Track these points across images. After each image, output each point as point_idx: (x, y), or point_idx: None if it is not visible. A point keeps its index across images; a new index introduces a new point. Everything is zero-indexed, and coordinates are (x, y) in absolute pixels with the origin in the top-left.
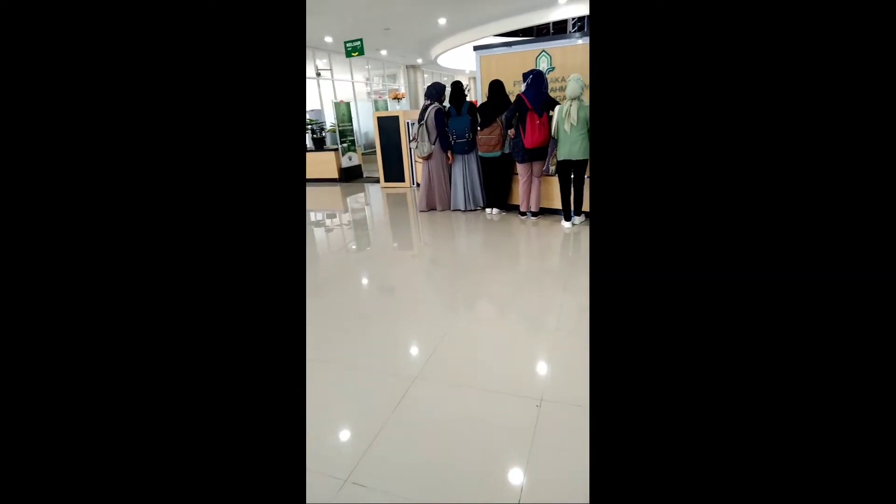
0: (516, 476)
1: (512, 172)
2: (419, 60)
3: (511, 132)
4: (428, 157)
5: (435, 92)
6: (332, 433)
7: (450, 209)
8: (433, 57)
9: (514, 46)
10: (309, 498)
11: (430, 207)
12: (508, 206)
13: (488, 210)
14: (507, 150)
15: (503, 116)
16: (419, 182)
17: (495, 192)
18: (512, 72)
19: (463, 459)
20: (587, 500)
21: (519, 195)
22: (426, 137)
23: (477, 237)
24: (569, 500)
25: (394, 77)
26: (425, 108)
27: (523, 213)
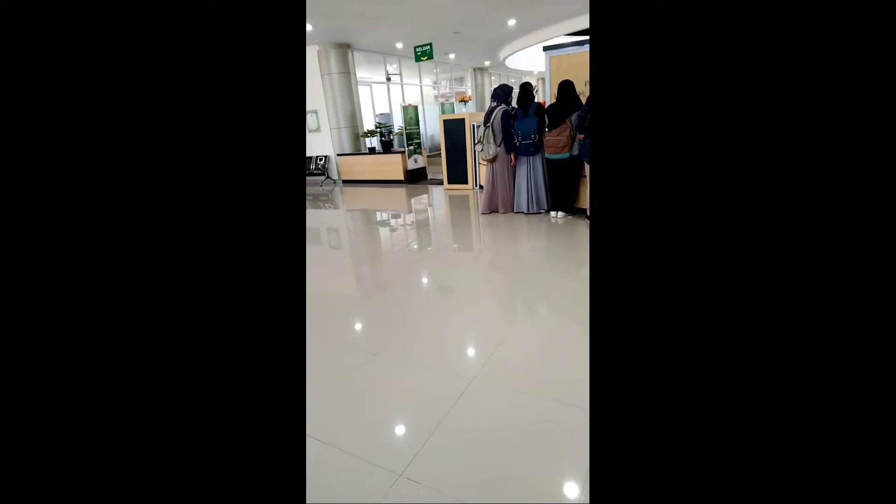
0: (572, 490)
1: (580, 175)
2: (487, 63)
3: (581, 135)
4: (493, 160)
5: (502, 94)
6: (390, 427)
7: (512, 212)
8: (501, 59)
9: (586, 45)
10: (366, 490)
11: (493, 210)
12: (575, 210)
13: (553, 213)
14: (574, 152)
15: (573, 118)
16: (482, 184)
17: (561, 194)
18: (583, 71)
19: (519, 466)
20: (588, 500)
21: (587, 198)
22: (492, 139)
23: (540, 241)
24: None
25: (461, 80)
26: (491, 111)
27: (590, 217)
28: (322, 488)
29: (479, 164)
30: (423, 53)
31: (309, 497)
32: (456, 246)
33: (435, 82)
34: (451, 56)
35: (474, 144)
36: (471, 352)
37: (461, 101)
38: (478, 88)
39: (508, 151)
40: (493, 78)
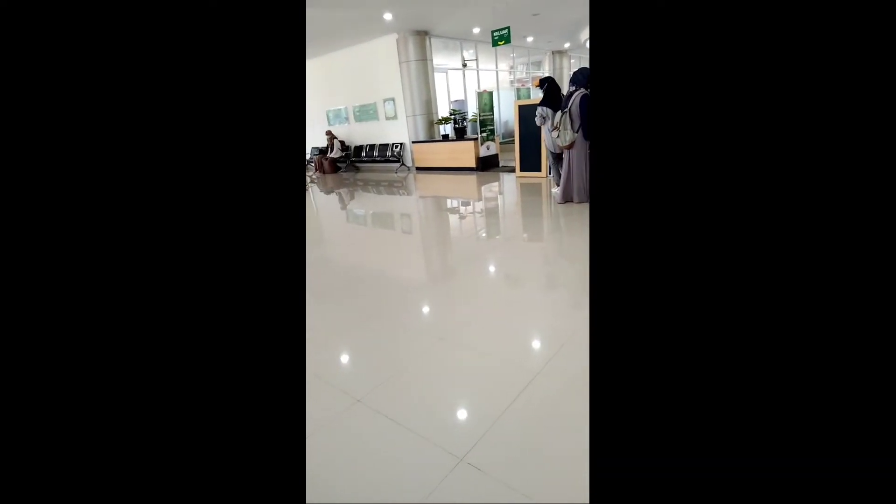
0: None
1: None
2: (566, 45)
3: None
4: (570, 146)
5: (582, 77)
6: (454, 411)
7: (588, 201)
8: (582, 41)
9: None
10: (428, 469)
11: (567, 199)
12: None
13: None
14: None
15: None
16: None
17: None
18: None
19: (580, 466)
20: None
21: None
22: (569, 125)
23: None
24: None
25: (538, 64)
26: (570, 95)
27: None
28: (385, 463)
29: (559, 149)
30: (501, 38)
31: (329, 496)
32: (526, 235)
33: (511, 67)
34: (530, 39)
35: (551, 131)
36: (537, 344)
37: (538, 85)
38: (556, 72)
39: (587, 138)
40: (572, 61)
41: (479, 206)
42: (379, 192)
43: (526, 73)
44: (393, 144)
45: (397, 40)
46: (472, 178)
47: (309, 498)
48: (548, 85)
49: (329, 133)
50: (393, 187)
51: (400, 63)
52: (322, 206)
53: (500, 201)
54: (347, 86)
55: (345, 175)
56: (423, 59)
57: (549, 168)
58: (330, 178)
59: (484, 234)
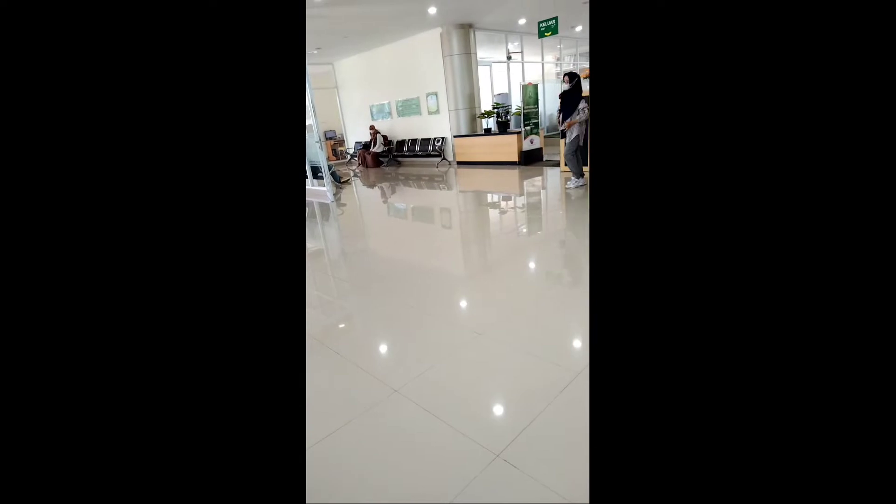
0: None
1: None
2: None
3: None
4: None
5: None
6: (491, 406)
7: None
8: None
9: None
10: (464, 465)
11: None
12: None
13: None
14: None
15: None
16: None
17: None
18: None
19: None
20: (588, 500)
21: None
22: None
23: None
24: None
25: (587, 55)
26: None
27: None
28: (420, 455)
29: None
30: (548, 28)
31: (334, 496)
32: (570, 232)
33: (558, 59)
34: (578, 28)
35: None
36: (578, 344)
37: (586, 77)
38: None
39: None
40: None
41: (521, 201)
42: (420, 187)
43: (573, 64)
44: (435, 139)
45: (441, 34)
46: (514, 173)
47: (346, 490)
48: (578, 80)
49: (372, 128)
50: (434, 181)
51: (443, 57)
52: (364, 199)
53: (542, 196)
54: (391, 81)
55: (387, 169)
56: (467, 53)
57: (567, 161)
58: (372, 172)
59: (525, 230)
